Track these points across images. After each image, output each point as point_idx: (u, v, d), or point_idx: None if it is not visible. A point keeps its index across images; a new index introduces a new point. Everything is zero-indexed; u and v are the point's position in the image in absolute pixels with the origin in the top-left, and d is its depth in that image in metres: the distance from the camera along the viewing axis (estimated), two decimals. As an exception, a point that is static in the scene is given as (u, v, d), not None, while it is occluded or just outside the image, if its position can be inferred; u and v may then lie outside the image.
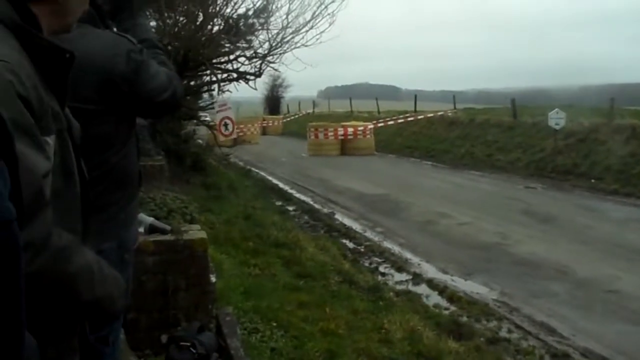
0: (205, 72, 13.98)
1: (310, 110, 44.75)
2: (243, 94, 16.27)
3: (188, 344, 3.29)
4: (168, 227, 4.14)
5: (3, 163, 0.98)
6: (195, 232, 4.30)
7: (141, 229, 3.73)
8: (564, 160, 18.32)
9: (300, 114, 42.96)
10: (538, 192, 16.29)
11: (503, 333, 7.25)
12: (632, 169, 16.00)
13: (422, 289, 8.96)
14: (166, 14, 11.74)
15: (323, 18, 14.10)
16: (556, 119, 18.54)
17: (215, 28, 13.26)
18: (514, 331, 7.32)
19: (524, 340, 7.07)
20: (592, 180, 16.55)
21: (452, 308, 8.10)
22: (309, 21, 13.92)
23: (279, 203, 16.04)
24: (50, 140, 1.17)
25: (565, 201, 14.73)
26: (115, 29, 2.47)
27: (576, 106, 26.16)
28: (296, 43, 13.96)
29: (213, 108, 12.59)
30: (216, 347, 3.44)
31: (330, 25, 14.50)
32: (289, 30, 13.76)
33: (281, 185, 19.38)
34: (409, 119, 29.05)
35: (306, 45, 14.17)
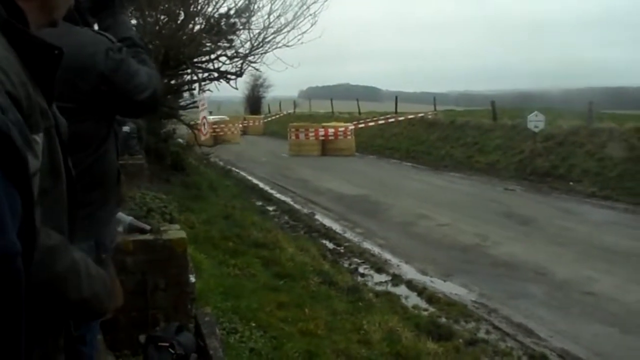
0: (186, 71, 13.96)
1: (291, 111, 44.71)
2: (224, 93, 16.21)
3: (167, 344, 3.27)
4: (147, 227, 4.12)
5: (14, 188, 0.98)
6: (175, 232, 4.27)
7: (120, 228, 3.71)
8: (542, 162, 18.47)
9: (281, 114, 42.90)
10: (517, 194, 16.40)
11: (481, 334, 7.29)
12: (610, 171, 16.16)
13: (402, 290, 8.98)
14: (147, 12, 11.70)
15: (305, 19, 14.13)
16: (535, 121, 18.68)
17: (197, 27, 13.24)
18: (492, 332, 7.36)
19: (502, 341, 7.12)
20: (571, 183, 16.71)
21: (431, 309, 8.12)
22: (291, 21, 13.95)
23: (259, 203, 16.02)
24: (39, 138, 1.16)
25: (543, 203, 14.84)
26: (96, 27, 2.45)
27: (556, 109, 26.41)
28: (278, 43, 13.99)
29: (197, 107, 12.55)
30: (195, 348, 3.42)
31: (312, 26, 14.53)
32: (271, 30, 13.78)
33: (261, 185, 19.36)
34: (390, 120, 29.13)
35: (288, 46, 14.20)
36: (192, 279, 4.21)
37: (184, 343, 3.34)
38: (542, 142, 19.13)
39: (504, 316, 7.88)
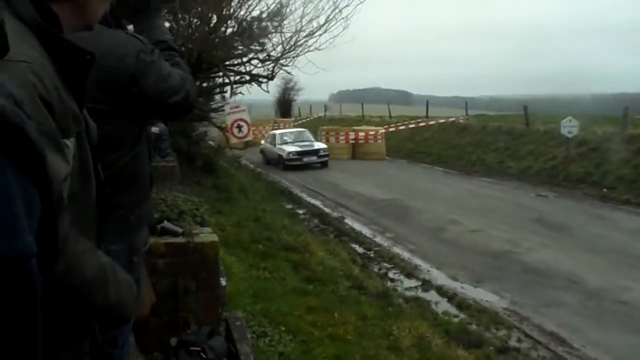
0: (217, 74, 14.00)
1: (322, 114, 44.74)
2: (255, 96, 16.24)
3: (198, 349, 3.27)
4: (179, 229, 4.13)
5: (33, 186, 0.96)
6: (207, 235, 4.27)
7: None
8: (575, 168, 18.21)
9: (312, 118, 42.95)
10: (549, 200, 16.19)
11: (513, 342, 7.20)
12: (644, 179, 15.88)
13: (432, 295, 8.92)
14: (180, 16, 11.76)
15: (337, 22, 14.09)
16: (569, 127, 18.45)
17: (229, 30, 13.27)
18: (524, 340, 7.27)
19: (534, 350, 7.03)
20: (604, 190, 16.44)
21: (462, 316, 8.06)
22: (323, 25, 13.90)
23: (289, 206, 16.05)
24: (70, 143, 1.15)
25: (576, 210, 14.63)
26: (131, 30, 2.45)
27: (589, 115, 26.03)
28: (309, 46, 13.96)
29: (224, 110, 12.59)
30: (226, 353, 3.41)
31: (343, 30, 14.49)
32: (303, 34, 13.76)
33: (291, 188, 19.38)
34: (421, 124, 29.02)
35: (319, 49, 14.16)
36: (223, 282, 4.20)
37: (215, 348, 3.33)
38: (576, 148, 18.87)
39: (535, 324, 7.78)
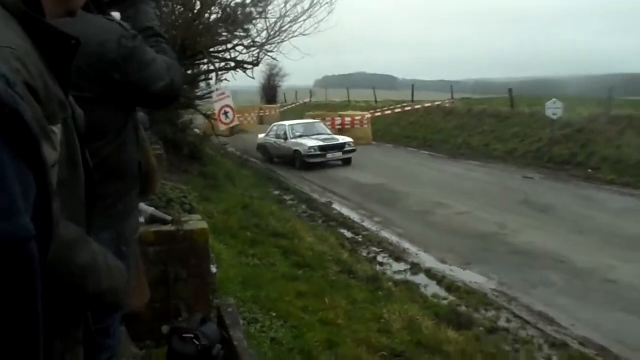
0: (202, 61, 13.95)
1: (308, 100, 44.69)
2: (240, 82, 16.20)
3: (191, 335, 3.27)
4: (169, 217, 4.12)
5: (28, 169, 0.94)
6: (196, 223, 4.27)
7: (142, 219, 3.71)
8: (561, 150, 18.30)
9: (298, 104, 42.90)
10: (536, 182, 16.27)
11: (502, 323, 7.27)
12: (629, 159, 15.99)
13: (421, 278, 8.97)
14: (163, 2, 11.68)
15: (322, 7, 14.12)
16: (553, 109, 18.51)
17: (213, 17, 13.23)
18: (513, 321, 7.34)
19: (523, 329, 7.09)
20: (590, 171, 16.54)
21: (451, 298, 8.11)
22: (308, 10, 13.92)
23: (276, 192, 16.04)
24: (57, 129, 1.14)
25: (562, 191, 14.72)
26: (118, 16, 2.42)
27: (574, 97, 26.16)
28: (294, 32, 13.97)
29: (211, 97, 12.56)
30: (219, 339, 3.42)
31: (328, 14, 14.53)
32: (287, 19, 13.76)
33: (279, 174, 19.38)
34: (407, 108, 29.03)
35: (304, 35, 14.18)
36: (214, 269, 4.21)
37: (208, 334, 3.33)
38: (561, 130, 18.96)
39: (524, 305, 7.85)
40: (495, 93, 38.62)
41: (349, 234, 11.55)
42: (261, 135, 23.77)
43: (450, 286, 8.53)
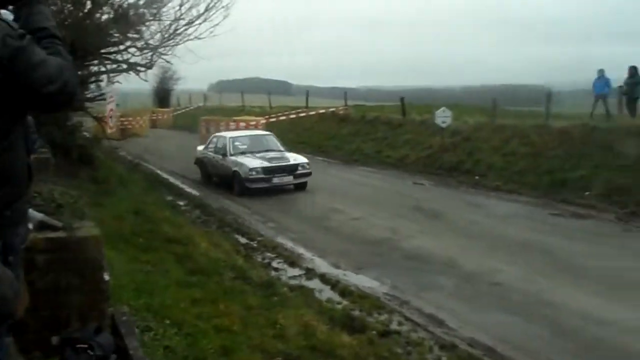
0: (93, 62, 13.57)
1: (201, 104, 44.16)
2: (132, 85, 15.83)
3: (85, 346, 3.17)
4: (59, 224, 3.97)
5: None
6: (88, 229, 4.14)
7: (30, 226, 3.56)
8: (450, 157, 18.94)
9: (191, 107, 42.31)
10: (426, 188, 16.78)
11: (394, 326, 7.43)
12: (514, 166, 16.75)
13: (315, 283, 9.06)
14: (50, 0, 11.26)
15: (217, 11, 14.02)
16: (442, 117, 19.17)
17: (105, 17, 12.89)
18: (404, 324, 7.53)
19: (414, 332, 7.29)
20: (476, 177, 17.21)
21: (345, 302, 8.23)
22: (203, 13, 13.80)
23: (169, 197, 15.80)
24: None
25: (451, 197, 15.25)
26: (8, 15, 2.32)
27: (461, 105, 27.13)
28: (189, 35, 13.81)
29: (104, 99, 12.24)
30: (114, 349, 3.33)
31: (224, 18, 14.45)
32: (182, 22, 13.59)
33: (172, 179, 19.07)
34: (301, 114, 29.20)
35: (199, 38, 14.05)
36: (107, 276, 4.08)
37: (103, 344, 3.24)
38: (450, 138, 19.63)
39: (415, 308, 8.08)
40: (387, 100, 39.51)
41: (243, 240, 11.52)
42: (200, 147, 19.77)
43: (344, 291, 8.66)
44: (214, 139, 18.87)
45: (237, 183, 16.35)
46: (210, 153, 18.37)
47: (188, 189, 17.11)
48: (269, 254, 10.52)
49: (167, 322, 5.69)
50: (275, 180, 16.13)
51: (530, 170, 16.17)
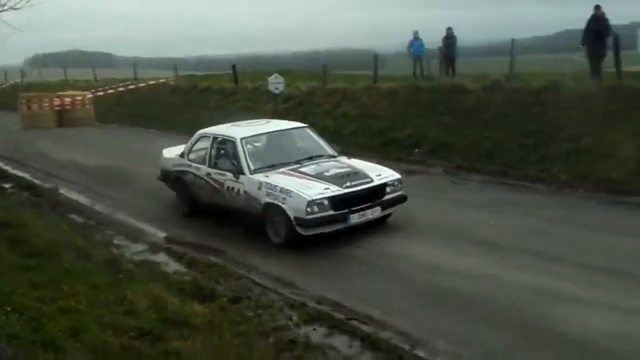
0: None
1: (19, 80, 41.41)
2: None
3: None
4: None
5: None
6: None
7: None
8: (284, 122, 19.13)
9: (8, 84, 39.56)
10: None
11: (243, 292, 7.50)
12: (346, 128, 17.24)
13: (161, 257, 8.96)
14: None
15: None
16: (275, 83, 19.28)
17: None
18: (254, 288, 7.62)
19: (264, 295, 7.41)
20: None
21: (193, 273, 8.19)
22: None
23: (-8, 181, 14.77)
24: None
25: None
26: None
27: (294, 72, 27.44)
28: (3, 5, 12.93)
29: None
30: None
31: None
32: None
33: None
34: (130, 87, 28.26)
35: (15, 9, 13.18)
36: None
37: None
38: (283, 104, 19.83)
39: (262, 272, 8.20)
40: (218, 69, 39.17)
41: (80, 219, 11.06)
42: (169, 153, 12.07)
43: (191, 261, 8.61)
44: (203, 141, 10.90)
45: (279, 226, 9.10)
46: (199, 165, 10.58)
47: (13, 171, 16.07)
48: (108, 232, 10.22)
49: (8, 309, 5.40)
50: (354, 218, 9.04)
51: (362, 131, 16.73)
